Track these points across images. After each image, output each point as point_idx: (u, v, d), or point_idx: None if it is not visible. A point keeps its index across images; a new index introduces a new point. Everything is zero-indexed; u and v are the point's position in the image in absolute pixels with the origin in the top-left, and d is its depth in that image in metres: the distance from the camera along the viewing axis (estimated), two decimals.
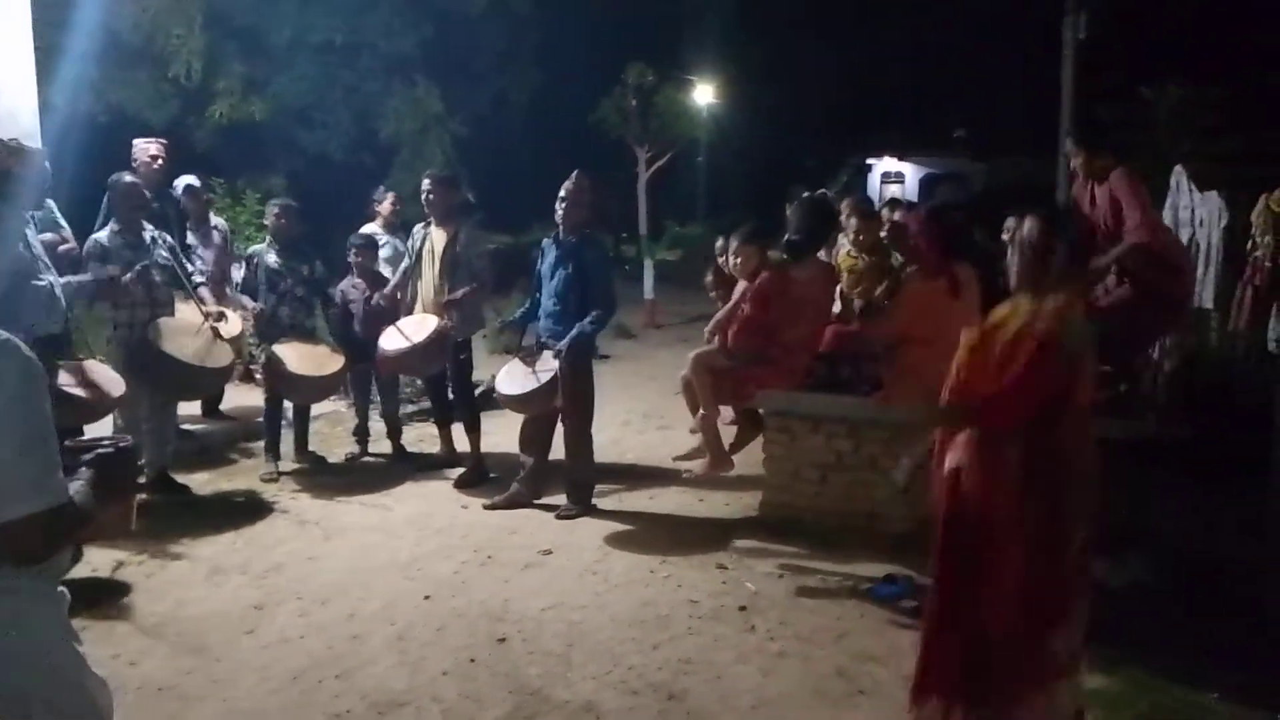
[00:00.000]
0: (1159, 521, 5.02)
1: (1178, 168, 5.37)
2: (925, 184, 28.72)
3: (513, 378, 5.63)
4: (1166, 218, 5.41)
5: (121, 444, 1.93)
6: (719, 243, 6.23)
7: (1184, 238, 5.44)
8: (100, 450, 1.89)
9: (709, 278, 6.13)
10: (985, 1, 21.71)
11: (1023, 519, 2.86)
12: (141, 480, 2.07)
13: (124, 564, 4.79)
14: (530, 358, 5.62)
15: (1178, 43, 16.45)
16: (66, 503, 1.75)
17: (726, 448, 5.52)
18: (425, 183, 6.34)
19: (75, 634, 1.94)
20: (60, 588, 1.92)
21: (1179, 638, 4.01)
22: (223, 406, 7.50)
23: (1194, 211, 5.42)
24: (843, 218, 6.03)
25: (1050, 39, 14.92)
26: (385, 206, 7.61)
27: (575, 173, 5.64)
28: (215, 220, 7.77)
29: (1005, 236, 5.48)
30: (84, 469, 1.85)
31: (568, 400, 5.46)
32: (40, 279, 4.80)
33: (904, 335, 4.99)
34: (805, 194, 7.21)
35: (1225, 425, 4.85)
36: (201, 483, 6.09)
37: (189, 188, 7.21)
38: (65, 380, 4.75)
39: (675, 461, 5.45)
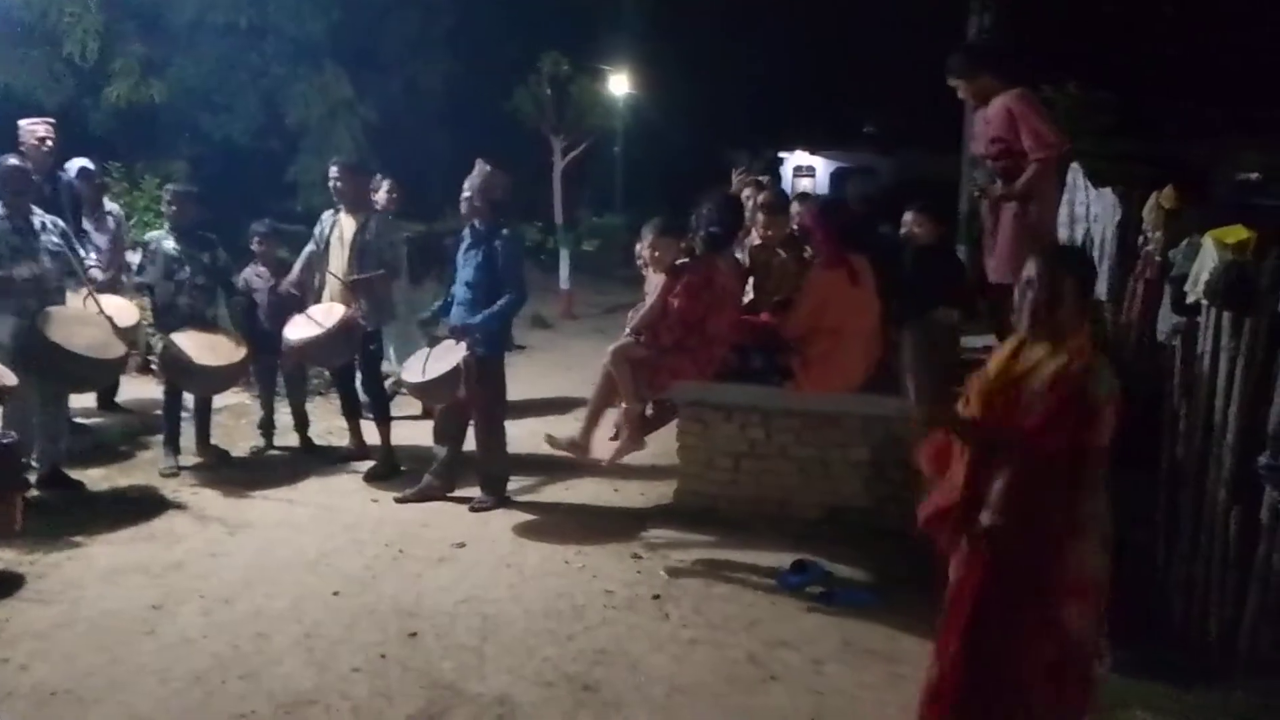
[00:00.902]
0: None
1: (1074, 165, 5.56)
2: (836, 177, 29.27)
3: (417, 365, 5.57)
4: (1063, 214, 5.61)
5: (4, 441, 1.82)
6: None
7: (1079, 233, 5.65)
8: None
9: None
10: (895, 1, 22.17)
11: (1068, 567, 2.75)
12: (27, 478, 1.93)
13: (14, 564, 4.57)
14: (438, 346, 5.56)
15: (1077, 44, 17.06)
16: None
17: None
18: (333, 170, 6.22)
19: None
20: None
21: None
22: (119, 399, 7.23)
23: (1089, 208, 5.64)
24: (747, 211, 6.10)
25: (955, 37, 15.34)
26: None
27: (478, 162, 5.60)
28: (110, 206, 7.46)
29: (903, 230, 5.64)
30: None
31: (475, 390, 5.40)
32: None
33: (809, 326, 5.09)
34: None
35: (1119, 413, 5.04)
36: (97, 479, 5.85)
37: (83, 170, 6.91)
38: None
39: (548, 444, 5.38)
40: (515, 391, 6.55)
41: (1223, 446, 3.65)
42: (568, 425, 7.33)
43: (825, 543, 4.95)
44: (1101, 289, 6.67)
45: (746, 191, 6.47)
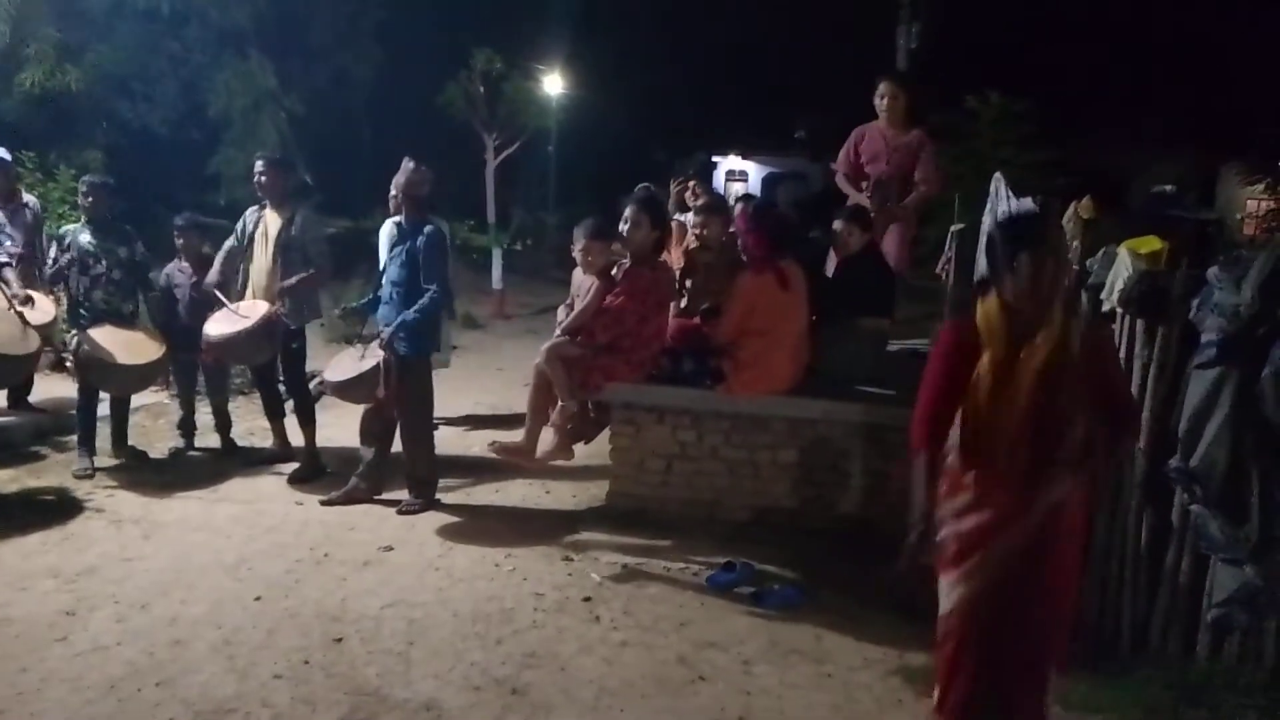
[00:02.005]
0: None
1: (997, 174, 5.68)
2: (768, 183, 29.58)
3: (339, 364, 5.48)
4: (986, 222, 5.74)
5: None
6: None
7: None
8: None
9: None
10: (825, 9, 22.52)
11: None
12: None
13: None
14: (362, 345, 5.47)
15: (1000, 54, 17.53)
16: None
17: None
18: (258, 164, 6.08)
19: None
20: None
21: None
22: (31, 398, 6.96)
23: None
24: (677, 210, 6.13)
25: (885, 47, 15.64)
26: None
27: (405, 159, 5.53)
28: (27, 197, 7.18)
29: (834, 236, 5.71)
30: None
31: (397, 390, 5.33)
32: None
33: (740, 328, 5.13)
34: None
35: None
36: (6, 480, 5.64)
37: (5, 162, 6.64)
38: None
39: (490, 449, 5.37)
40: (444, 392, 6.49)
41: (1135, 450, 3.78)
42: (502, 430, 7.33)
43: (754, 543, 5.01)
44: None
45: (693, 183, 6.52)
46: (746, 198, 7.71)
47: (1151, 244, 3.94)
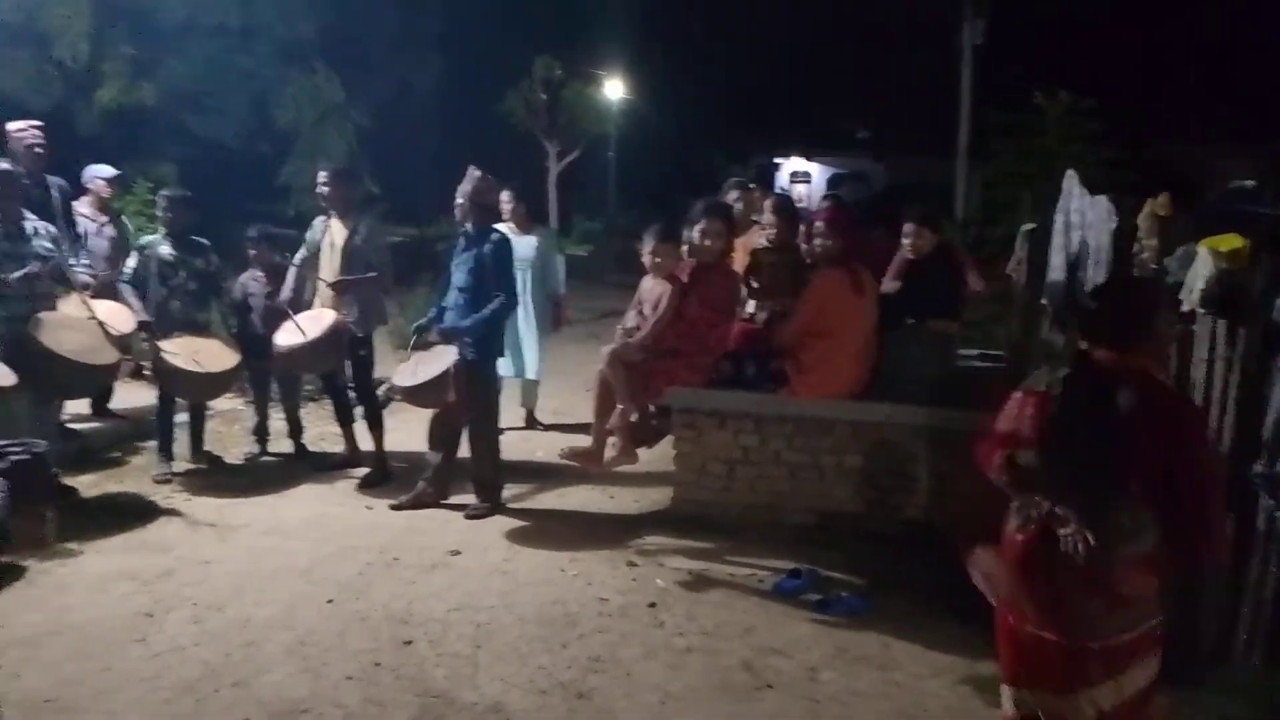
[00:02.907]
0: None
1: (1070, 172, 5.58)
2: (831, 183, 29.37)
3: (408, 370, 5.56)
4: (1058, 221, 5.62)
5: (34, 449, 1.74)
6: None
7: (1074, 240, 5.66)
8: (14, 458, 1.69)
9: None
10: (888, 6, 22.27)
11: None
12: (55, 489, 1.85)
13: (4, 571, 4.54)
14: (429, 350, 5.55)
15: (1066, 48, 17.15)
16: None
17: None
18: (321, 175, 6.22)
19: None
20: None
21: None
22: (113, 405, 7.19)
23: (1084, 215, 5.64)
24: (762, 211, 6.08)
25: (950, 44, 15.41)
26: (506, 208, 6.86)
27: (470, 168, 5.60)
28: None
29: (905, 241, 5.63)
30: None
31: (465, 395, 5.39)
32: None
33: (808, 329, 5.09)
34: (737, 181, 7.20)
35: None
36: (88, 485, 5.82)
37: (118, 177, 7.01)
38: None
39: (560, 455, 5.42)
40: (508, 398, 6.56)
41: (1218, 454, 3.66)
42: (565, 434, 7.37)
43: (818, 548, 4.97)
44: None
45: (734, 194, 6.47)
46: (833, 198, 7.61)
47: (1232, 242, 3.82)
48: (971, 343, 6.41)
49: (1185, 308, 3.84)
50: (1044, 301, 6.47)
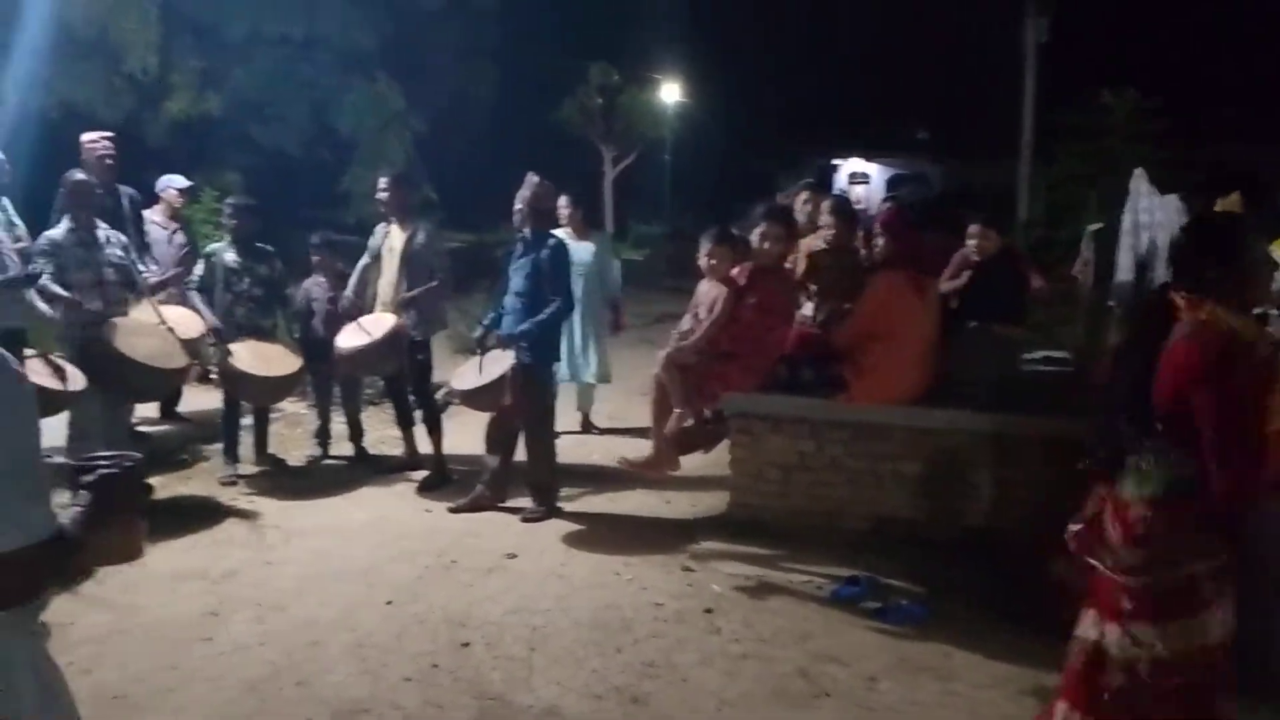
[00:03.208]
0: None
1: (1138, 171, 5.46)
2: (890, 184, 29.06)
3: (465, 374, 5.61)
4: (1126, 221, 5.50)
5: (126, 463, 1.76)
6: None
7: (1144, 240, 5.53)
8: (103, 470, 1.69)
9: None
10: (949, 6, 21.96)
11: None
12: (147, 502, 1.85)
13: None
14: (486, 354, 5.60)
15: (1134, 47, 16.74)
16: (49, 538, 1.56)
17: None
18: (380, 182, 6.32)
19: (48, 672, 1.75)
20: (40, 622, 1.74)
21: None
22: (180, 408, 7.37)
23: (1153, 214, 5.50)
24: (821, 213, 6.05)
25: (1011, 44, 15.14)
26: (564, 213, 6.88)
27: (528, 175, 5.64)
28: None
29: (970, 243, 5.55)
30: (84, 492, 1.68)
31: (520, 398, 5.42)
32: (3, 273, 4.73)
33: (866, 332, 5.02)
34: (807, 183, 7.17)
35: None
36: (157, 486, 5.95)
37: (190, 188, 7.21)
38: (32, 370, 4.69)
39: (622, 465, 5.45)
40: (564, 402, 6.58)
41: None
42: (620, 438, 7.38)
43: (876, 555, 4.89)
44: None
45: (804, 196, 6.43)
46: (893, 199, 7.55)
47: None
48: (1037, 346, 6.27)
49: (1257, 310, 3.72)
50: (1112, 303, 6.33)
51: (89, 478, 1.70)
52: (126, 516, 1.76)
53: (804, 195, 6.32)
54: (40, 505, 1.57)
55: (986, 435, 4.97)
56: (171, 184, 7.32)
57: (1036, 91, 14.42)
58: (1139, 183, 5.64)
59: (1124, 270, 5.86)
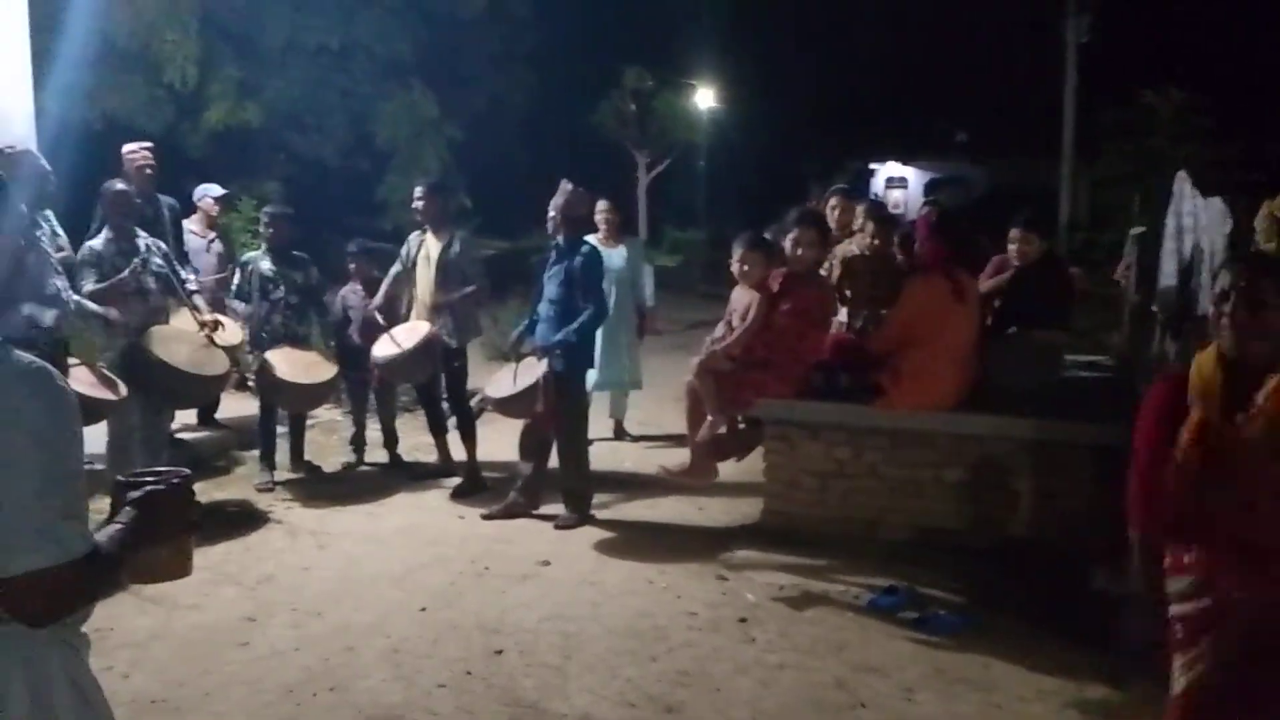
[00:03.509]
0: None
1: (1180, 173, 5.33)
2: (928, 188, 28.77)
3: (500, 381, 5.62)
4: (1169, 224, 5.39)
5: (174, 480, 1.74)
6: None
7: (1187, 244, 5.41)
8: (150, 488, 1.67)
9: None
10: (987, 5, 21.72)
11: None
12: (197, 520, 1.83)
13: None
14: (520, 362, 5.60)
15: (1179, 46, 16.44)
16: (84, 555, 1.53)
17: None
18: (416, 191, 6.36)
19: (87, 686, 1.74)
20: (80, 633, 1.74)
21: None
22: (218, 415, 7.44)
23: (1197, 217, 5.39)
24: (856, 219, 5.99)
25: (1051, 42, 14.94)
26: (604, 218, 6.93)
27: (562, 181, 5.63)
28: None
29: (1011, 247, 5.46)
30: (128, 509, 1.66)
31: (553, 406, 5.41)
32: (48, 282, 4.79)
33: (904, 337, 4.96)
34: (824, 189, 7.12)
35: None
36: (195, 492, 6.01)
37: (225, 196, 7.29)
38: (76, 379, 4.77)
39: (661, 473, 5.42)
40: (597, 409, 6.56)
41: None
42: (654, 445, 7.36)
43: (915, 565, 4.81)
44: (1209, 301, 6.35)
45: (833, 202, 6.38)
46: (933, 203, 7.46)
47: None
48: (1079, 351, 6.16)
49: None
50: (1155, 308, 6.21)
51: (135, 494, 1.67)
52: (173, 534, 1.73)
53: (833, 201, 6.26)
54: (77, 522, 1.55)
55: (1029, 442, 4.88)
56: (208, 193, 7.42)
57: (1078, 91, 14.21)
58: (1182, 185, 5.52)
59: (1167, 275, 5.74)
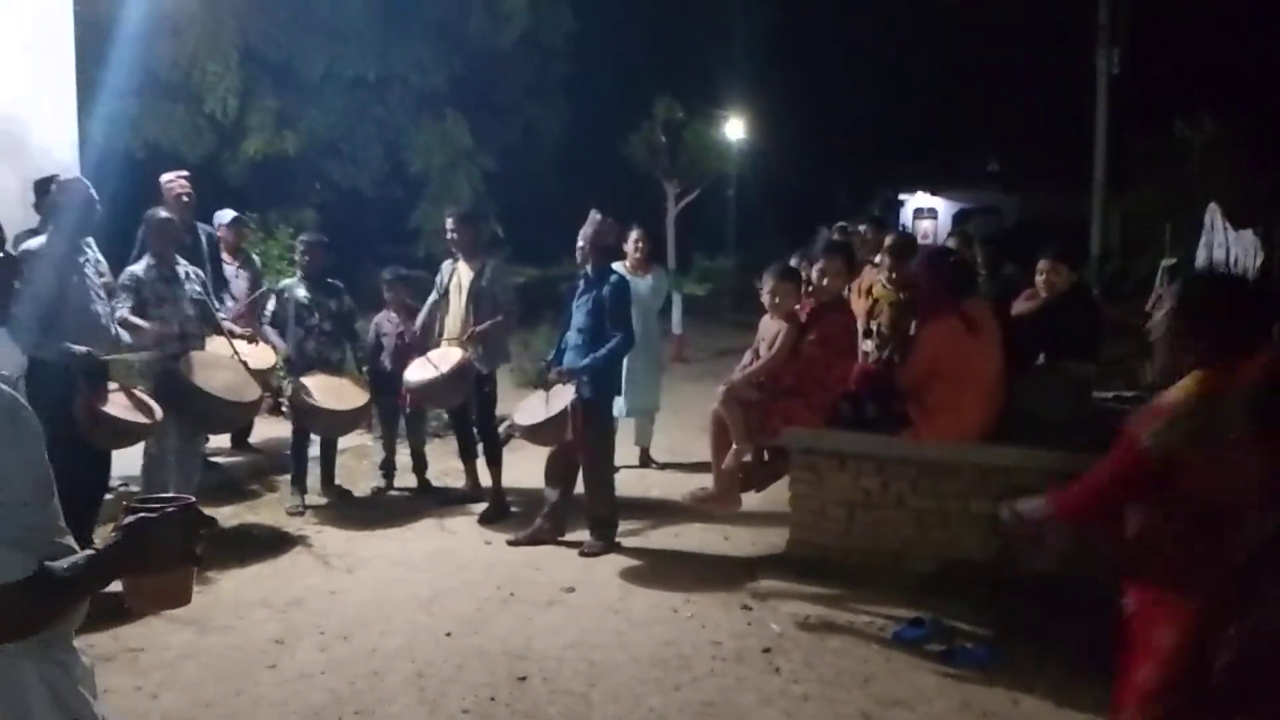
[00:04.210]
0: None
1: (1212, 205, 5.30)
2: (959, 218, 28.69)
3: (528, 408, 5.67)
4: (1201, 256, 5.35)
5: (170, 509, 1.67)
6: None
7: None
8: (142, 515, 1.64)
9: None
10: (1018, 35, 21.73)
11: None
12: (198, 545, 1.78)
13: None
14: (548, 389, 5.64)
15: (1211, 76, 16.33)
16: (20, 580, 1.52)
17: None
18: (449, 222, 6.46)
19: (77, 707, 1.72)
20: (71, 651, 1.73)
21: None
22: (251, 439, 7.54)
23: (1229, 250, 5.34)
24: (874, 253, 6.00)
25: (1083, 72, 14.91)
26: (629, 247, 6.98)
27: (592, 210, 5.70)
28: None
29: (1039, 278, 5.44)
30: (115, 533, 1.64)
31: (581, 433, 5.44)
32: (91, 307, 4.89)
33: (927, 373, 4.95)
34: (839, 226, 7.16)
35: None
36: (226, 515, 6.11)
37: (236, 219, 7.33)
38: (115, 403, 4.90)
39: (687, 499, 5.43)
40: (624, 436, 6.57)
41: None
42: (681, 473, 7.36)
43: (942, 597, 4.77)
44: None
45: (864, 228, 6.41)
46: (961, 234, 7.44)
47: None
48: (1110, 383, 6.11)
49: None
50: None
51: (128, 519, 1.65)
52: (167, 564, 1.68)
53: (862, 227, 6.29)
54: (14, 549, 1.54)
55: (1060, 474, 4.82)
56: (219, 220, 7.30)
57: (1109, 121, 14.14)
58: (1213, 216, 5.49)
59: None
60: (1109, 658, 2.72)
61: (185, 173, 6.83)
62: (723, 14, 21.62)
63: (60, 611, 1.64)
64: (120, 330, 5.21)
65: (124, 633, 4.32)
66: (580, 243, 5.70)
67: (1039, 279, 5.44)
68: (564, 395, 5.50)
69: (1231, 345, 2.39)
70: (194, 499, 1.72)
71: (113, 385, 5.07)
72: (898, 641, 4.39)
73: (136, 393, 5.18)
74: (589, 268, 5.69)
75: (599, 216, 5.68)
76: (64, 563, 1.60)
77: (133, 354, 5.30)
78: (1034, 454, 4.86)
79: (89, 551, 1.64)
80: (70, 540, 1.67)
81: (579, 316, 5.65)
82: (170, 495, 1.85)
